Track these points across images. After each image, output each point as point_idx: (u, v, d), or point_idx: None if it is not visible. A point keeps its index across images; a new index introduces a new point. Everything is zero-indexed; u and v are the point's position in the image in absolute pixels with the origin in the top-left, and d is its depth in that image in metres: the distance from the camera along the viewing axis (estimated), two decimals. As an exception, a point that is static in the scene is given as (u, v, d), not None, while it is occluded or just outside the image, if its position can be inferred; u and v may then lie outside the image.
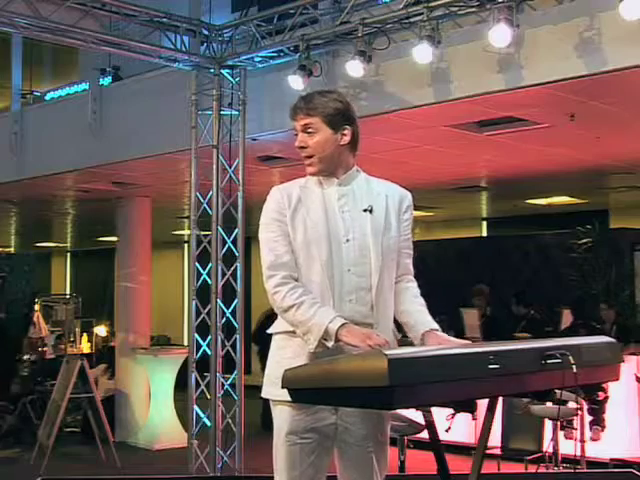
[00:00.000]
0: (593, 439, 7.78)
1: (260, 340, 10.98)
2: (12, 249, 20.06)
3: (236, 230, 7.71)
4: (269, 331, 3.13)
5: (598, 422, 7.84)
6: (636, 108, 6.61)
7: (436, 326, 3.03)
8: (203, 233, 7.78)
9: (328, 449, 3.04)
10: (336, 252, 2.99)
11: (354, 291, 2.99)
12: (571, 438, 7.38)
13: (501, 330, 9.39)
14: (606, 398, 7.77)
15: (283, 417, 3.00)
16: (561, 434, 7.04)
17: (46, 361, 11.21)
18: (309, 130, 3.07)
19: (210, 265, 7.67)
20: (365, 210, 3.06)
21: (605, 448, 7.77)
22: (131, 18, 6.95)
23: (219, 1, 8.61)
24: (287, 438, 2.99)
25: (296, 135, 3.11)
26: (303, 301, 2.91)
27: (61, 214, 13.43)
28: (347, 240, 3.02)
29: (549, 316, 9.74)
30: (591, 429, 7.77)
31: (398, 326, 3.14)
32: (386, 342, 2.80)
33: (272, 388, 2.98)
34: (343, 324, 2.83)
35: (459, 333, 8.45)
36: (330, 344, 2.85)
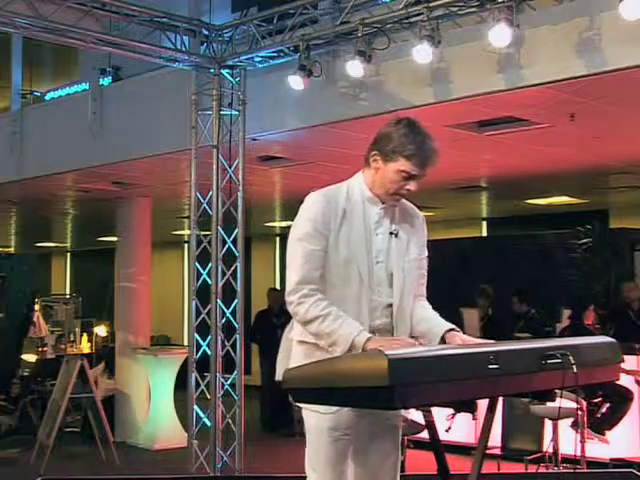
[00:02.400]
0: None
1: (258, 339, 11.00)
2: (12, 249, 20.05)
3: (236, 230, 7.71)
4: (295, 338, 3.16)
5: (599, 430, 7.71)
6: (636, 108, 6.61)
7: (454, 326, 3.12)
8: (203, 233, 7.78)
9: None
10: (369, 272, 3.09)
11: (380, 308, 3.11)
12: (590, 438, 7.38)
13: (502, 330, 9.39)
14: (606, 403, 7.66)
15: (323, 416, 3.04)
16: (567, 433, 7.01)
17: (46, 361, 11.22)
18: (421, 179, 3.16)
19: (210, 265, 7.67)
20: (391, 233, 3.17)
21: (605, 448, 7.76)
22: (131, 18, 6.94)
23: (219, 1, 8.61)
24: (330, 434, 3.05)
25: (407, 178, 3.12)
26: (328, 313, 2.98)
27: (61, 214, 13.43)
28: (377, 262, 3.12)
29: (549, 316, 9.73)
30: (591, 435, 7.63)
31: None
32: (410, 344, 2.95)
33: None
34: (369, 337, 2.93)
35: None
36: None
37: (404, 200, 3.28)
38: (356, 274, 3.07)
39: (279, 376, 3.22)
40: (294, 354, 3.15)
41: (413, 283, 3.21)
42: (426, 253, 3.32)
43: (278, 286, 15.43)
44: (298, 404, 3.10)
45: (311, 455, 3.13)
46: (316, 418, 3.07)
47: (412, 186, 3.13)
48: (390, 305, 3.12)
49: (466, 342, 3.04)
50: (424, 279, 3.31)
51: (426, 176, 3.18)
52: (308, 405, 3.07)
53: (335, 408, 3.01)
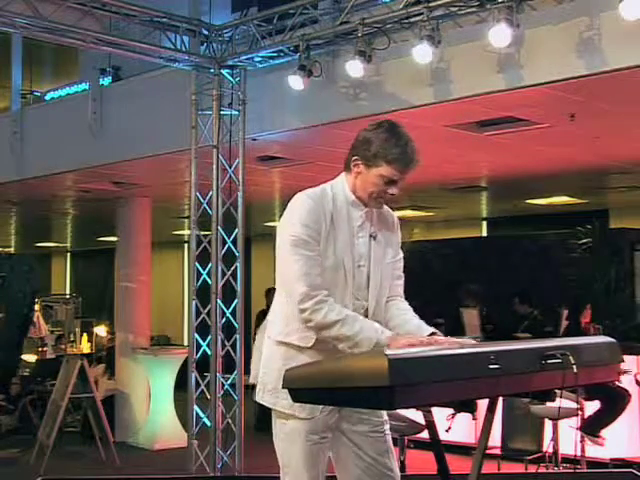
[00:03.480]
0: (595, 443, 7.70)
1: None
2: (12, 249, 20.05)
3: (236, 230, 7.71)
4: (275, 338, 3.14)
5: (593, 432, 7.65)
6: (636, 108, 6.61)
7: (434, 330, 3.08)
8: (203, 233, 7.78)
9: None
10: (352, 275, 3.11)
11: (360, 311, 3.10)
12: (601, 444, 7.36)
13: (500, 330, 9.40)
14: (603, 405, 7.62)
15: (299, 419, 3.03)
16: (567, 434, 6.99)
17: (46, 361, 11.22)
18: (400, 183, 3.13)
19: (210, 265, 7.67)
20: (371, 236, 3.17)
21: (605, 448, 7.75)
22: (131, 18, 6.95)
23: (219, 1, 8.61)
24: (308, 438, 3.04)
25: (389, 183, 3.10)
26: (346, 316, 2.98)
27: (61, 214, 13.43)
28: (359, 266, 3.13)
29: (549, 316, 9.74)
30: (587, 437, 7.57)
31: None
32: (429, 339, 2.94)
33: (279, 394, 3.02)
34: (390, 336, 2.94)
35: (459, 333, 8.45)
36: None
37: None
38: (342, 279, 3.08)
39: (254, 378, 3.21)
40: (271, 354, 3.13)
41: (388, 286, 3.20)
42: (401, 254, 3.31)
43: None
44: (271, 407, 3.08)
45: (285, 461, 3.10)
46: (293, 421, 3.05)
47: (394, 190, 3.11)
48: (365, 313, 3.11)
49: (452, 344, 2.97)
50: (401, 280, 3.29)
51: (408, 179, 3.15)
52: (283, 409, 3.05)
53: (317, 413, 3.01)
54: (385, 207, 3.28)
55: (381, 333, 2.94)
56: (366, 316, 3.10)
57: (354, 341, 2.94)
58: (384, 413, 3.20)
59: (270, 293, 11.32)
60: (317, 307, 2.99)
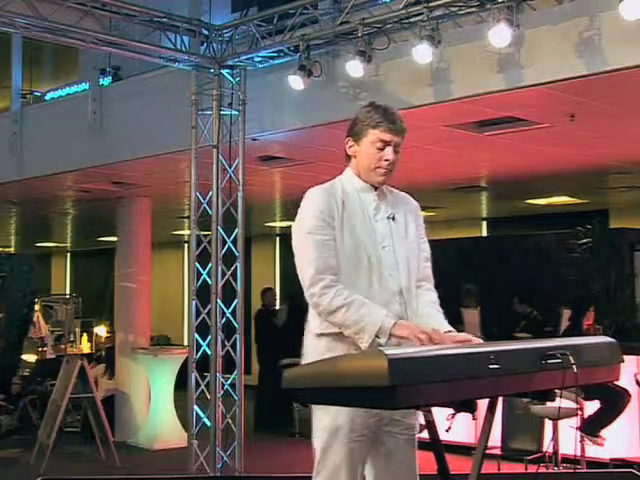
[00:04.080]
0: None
1: (258, 338, 11.01)
2: (12, 249, 20.05)
3: (236, 230, 7.71)
4: (314, 331, 3.16)
5: (592, 432, 7.63)
6: (636, 108, 6.61)
7: (450, 328, 3.13)
8: (203, 233, 7.78)
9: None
10: (377, 257, 3.13)
11: (392, 293, 3.13)
12: (600, 444, 7.35)
13: (499, 329, 9.40)
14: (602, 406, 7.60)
15: (340, 416, 3.04)
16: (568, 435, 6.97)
17: (46, 361, 11.22)
18: (397, 149, 3.21)
19: (210, 265, 7.67)
20: (388, 218, 3.22)
21: (605, 448, 7.75)
22: (131, 18, 6.94)
23: (219, 1, 8.61)
24: (348, 436, 3.05)
25: (382, 148, 3.17)
26: (352, 301, 3.00)
27: (61, 214, 13.43)
28: (383, 247, 3.16)
29: (549, 316, 9.73)
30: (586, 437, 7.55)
31: None
32: (434, 331, 2.95)
33: None
34: (395, 322, 2.96)
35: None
36: (383, 340, 2.95)
37: (397, 190, 3.34)
38: (365, 260, 3.11)
39: None
40: (314, 348, 3.13)
41: (417, 265, 3.24)
42: (426, 238, 3.36)
43: (278, 285, 15.45)
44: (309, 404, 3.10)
45: (322, 456, 3.10)
46: (331, 417, 3.06)
47: (390, 155, 3.17)
48: (400, 292, 3.14)
49: (459, 340, 3.04)
50: (428, 262, 3.34)
51: (401, 146, 3.22)
52: (325, 407, 3.05)
53: (360, 409, 3.00)
54: (404, 194, 3.36)
55: (385, 318, 2.96)
56: (403, 301, 3.14)
57: (358, 326, 2.97)
58: (418, 417, 3.20)
59: (266, 293, 11.32)
60: (323, 292, 3.03)
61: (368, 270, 3.11)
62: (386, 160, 3.18)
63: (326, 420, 3.08)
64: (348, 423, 3.05)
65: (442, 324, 3.15)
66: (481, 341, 3.03)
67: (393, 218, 3.22)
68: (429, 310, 3.23)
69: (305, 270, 3.08)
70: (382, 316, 2.97)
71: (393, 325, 2.95)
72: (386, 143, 3.17)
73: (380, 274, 3.11)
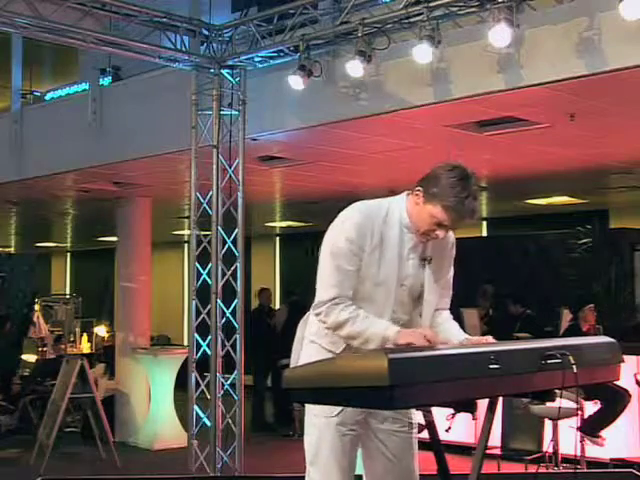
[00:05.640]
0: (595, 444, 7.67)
1: (252, 338, 11.00)
2: (12, 249, 20.05)
3: (236, 230, 7.71)
4: (308, 337, 3.23)
5: (593, 432, 7.61)
6: (636, 108, 6.61)
7: (467, 336, 3.19)
8: (203, 233, 7.78)
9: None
10: (393, 294, 3.15)
11: (399, 324, 3.14)
12: (600, 444, 7.34)
13: (501, 330, 9.38)
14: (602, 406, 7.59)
15: (329, 412, 3.09)
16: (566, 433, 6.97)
17: (46, 361, 11.22)
18: (450, 229, 3.21)
19: (210, 265, 7.66)
20: (424, 259, 3.20)
21: (605, 448, 7.75)
22: (131, 18, 6.94)
23: (219, 1, 8.61)
24: (337, 429, 3.11)
25: (439, 225, 3.14)
26: (357, 315, 3.06)
27: (61, 214, 13.43)
28: (401, 285, 3.16)
29: (549, 316, 9.73)
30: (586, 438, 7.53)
31: None
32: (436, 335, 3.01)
33: None
34: (398, 330, 3.01)
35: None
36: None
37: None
38: (384, 295, 3.14)
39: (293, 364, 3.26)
40: (305, 352, 3.22)
41: (436, 304, 3.28)
42: (452, 270, 3.36)
43: (278, 285, 15.46)
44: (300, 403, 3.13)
45: (314, 452, 3.16)
46: (323, 414, 3.12)
47: (442, 233, 3.15)
48: (405, 322, 3.17)
49: (478, 342, 3.11)
50: (449, 297, 3.36)
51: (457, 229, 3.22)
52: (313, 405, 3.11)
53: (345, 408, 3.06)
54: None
55: (389, 328, 3.01)
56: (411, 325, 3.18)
57: (364, 337, 3.01)
58: (416, 415, 3.23)
59: (261, 293, 11.30)
60: (330, 309, 3.08)
61: (384, 303, 3.14)
62: (436, 236, 3.16)
63: (315, 417, 3.14)
64: (336, 419, 3.10)
65: (459, 332, 3.22)
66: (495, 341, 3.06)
67: (429, 262, 3.21)
68: (446, 325, 3.28)
69: (322, 292, 3.12)
70: (385, 325, 3.03)
71: (397, 332, 2.99)
72: (444, 226, 3.15)
73: (391, 307, 3.15)
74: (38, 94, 12.66)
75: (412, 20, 5.95)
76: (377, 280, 3.12)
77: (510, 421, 7.94)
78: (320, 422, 3.14)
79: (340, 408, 3.07)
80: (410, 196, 3.21)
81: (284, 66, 6.95)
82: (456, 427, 7.49)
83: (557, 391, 3.03)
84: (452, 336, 3.20)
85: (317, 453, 3.15)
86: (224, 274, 7.63)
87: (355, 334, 3.04)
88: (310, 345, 3.23)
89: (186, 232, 14.16)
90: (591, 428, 7.39)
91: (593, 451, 7.46)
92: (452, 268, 3.35)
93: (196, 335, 7.78)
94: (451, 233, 3.31)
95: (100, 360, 11.08)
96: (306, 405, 3.19)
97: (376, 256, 3.11)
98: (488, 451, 6.54)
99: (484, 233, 14.02)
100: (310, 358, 3.11)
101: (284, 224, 14.35)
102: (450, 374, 2.50)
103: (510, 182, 10.01)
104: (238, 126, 7.55)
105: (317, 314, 3.11)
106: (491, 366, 2.56)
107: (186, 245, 16.11)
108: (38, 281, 20.52)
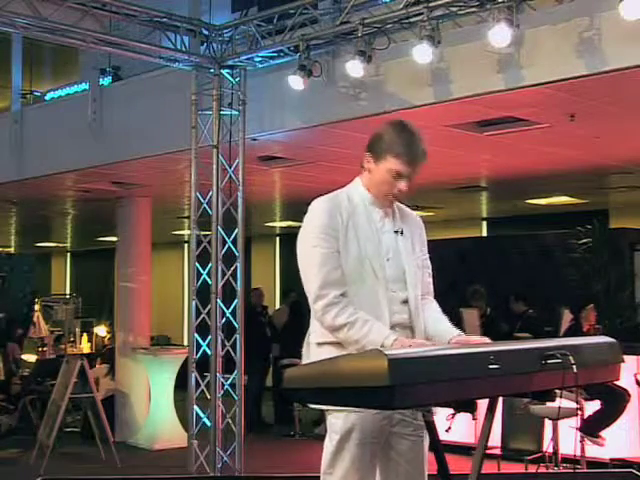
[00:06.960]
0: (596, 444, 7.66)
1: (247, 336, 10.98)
2: (12, 249, 20.05)
3: (236, 230, 7.71)
4: (314, 341, 3.17)
5: (593, 432, 7.60)
6: (636, 108, 6.61)
7: (460, 332, 3.16)
8: (203, 233, 7.78)
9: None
10: (382, 269, 3.14)
11: (398, 303, 3.16)
12: (600, 444, 7.33)
13: (500, 330, 9.39)
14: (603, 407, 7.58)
15: (350, 418, 3.04)
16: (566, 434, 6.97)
17: (46, 361, 11.22)
18: (412, 178, 3.19)
19: (210, 265, 7.67)
20: (396, 232, 3.24)
21: (605, 448, 7.75)
22: (131, 18, 6.94)
23: (219, 1, 8.61)
24: (358, 438, 3.04)
25: (397, 178, 3.15)
26: (355, 320, 3.02)
27: (61, 214, 13.43)
28: (387, 259, 3.17)
29: (549, 316, 9.72)
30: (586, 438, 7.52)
31: None
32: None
33: None
34: (396, 338, 2.98)
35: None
36: None
37: (403, 206, 3.35)
38: (370, 270, 3.12)
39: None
40: (315, 357, 3.12)
41: (422, 279, 3.28)
42: (428, 256, 3.38)
43: (278, 286, 15.47)
44: (321, 407, 3.09)
45: (331, 458, 3.09)
46: (342, 421, 3.06)
47: (403, 186, 3.17)
48: (405, 301, 3.16)
49: (470, 342, 3.07)
50: (431, 278, 3.37)
51: (417, 176, 3.21)
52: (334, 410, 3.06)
53: (371, 412, 3.00)
54: (407, 208, 3.37)
55: (386, 337, 2.97)
56: (409, 310, 3.16)
57: (360, 344, 2.98)
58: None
59: (253, 293, 11.25)
60: (327, 310, 3.05)
61: (374, 281, 3.12)
62: (399, 190, 3.18)
63: (337, 424, 3.08)
64: (359, 426, 3.04)
65: (451, 329, 3.19)
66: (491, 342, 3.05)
67: (401, 233, 3.24)
68: (437, 316, 3.27)
69: (310, 285, 3.10)
70: (383, 335, 2.98)
71: (394, 341, 2.96)
72: (403, 175, 3.16)
73: (386, 285, 3.13)
74: (38, 94, 12.65)
75: (412, 20, 5.96)
76: (360, 255, 3.11)
77: (510, 421, 7.94)
78: (341, 426, 3.06)
79: (359, 419, 3.02)
80: (362, 174, 3.28)
81: (284, 66, 6.95)
82: (456, 427, 7.46)
83: (557, 391, 3.03)
84: (443, 331, 3.18)
85: (334, 463, 3.08)
86: (224, 274, 7.63)
87: (352, 341, 3.01)
88: (320, 348, 3.14)
89: (186, 232, 14.16)
90: (591, 428, 7.39)
91: (593, 451, 7.45)
92: (428, 258, 3.35)
93: (196, 335, 7.78)
94: (417, 215, 3.39)
95: (104, 361, 11.07)
96: (325, 413, 3.12)
97: (352, 234, 3.12)
98: (488, 451, 6.54)
99: (484, 233, 14.02)
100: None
101: (284, 224, 14.35)
102: (450, 374, 2.50)
103: (510, 182, 10.02)
104: (238, 126, 7.56)
105: (314, 311, 3.08)
106: (491, 366, 2.56)
107: (186, 245, 16.12)
108: (38, 281, 20.55)
